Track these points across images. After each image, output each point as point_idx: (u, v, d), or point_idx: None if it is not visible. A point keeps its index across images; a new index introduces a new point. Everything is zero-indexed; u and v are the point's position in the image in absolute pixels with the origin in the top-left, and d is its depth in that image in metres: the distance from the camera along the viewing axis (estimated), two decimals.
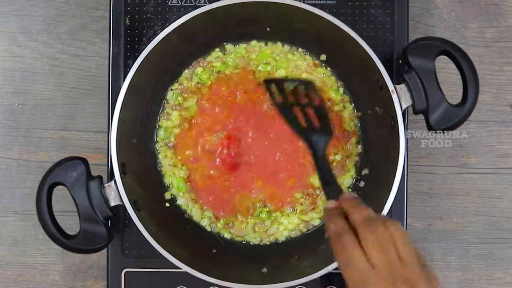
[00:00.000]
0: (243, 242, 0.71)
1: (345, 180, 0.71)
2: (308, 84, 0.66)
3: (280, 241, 0.71)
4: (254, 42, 0.72)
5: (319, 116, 0.63)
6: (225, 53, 0.72)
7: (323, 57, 0.71)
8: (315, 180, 0.71)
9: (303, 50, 0.72)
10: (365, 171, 0.71)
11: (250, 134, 0.70)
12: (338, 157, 0.71)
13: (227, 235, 0.71)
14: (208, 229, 0.71)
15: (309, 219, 0.71)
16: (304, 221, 0.71)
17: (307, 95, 0.64)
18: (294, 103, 0.64)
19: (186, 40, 0.67)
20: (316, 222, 0.71)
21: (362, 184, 0.71)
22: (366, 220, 0.49)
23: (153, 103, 0.70)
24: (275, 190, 0.71)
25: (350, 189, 0.71)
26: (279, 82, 0.66)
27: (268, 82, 0.66)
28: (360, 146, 0.72)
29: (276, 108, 0.64)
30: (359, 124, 0.72)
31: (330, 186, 0.56)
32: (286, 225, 0.71)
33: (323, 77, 0.72)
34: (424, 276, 0.47)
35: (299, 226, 0.71)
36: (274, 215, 0.71)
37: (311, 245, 0.69)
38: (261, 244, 0.71)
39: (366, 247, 0.47)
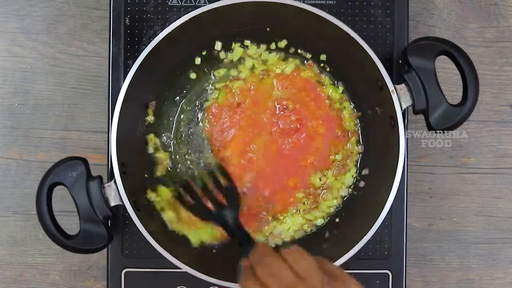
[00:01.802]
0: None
1: (346, 179, 0.71)
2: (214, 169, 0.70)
3: (284, 242, 0.71)
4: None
5: (227, 194, 0.67)
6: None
7: (322, 57, 0.71)
8: (316, 180, 0.71)
9: (302, 50, 0.72)
10: (365, 171, 0.71)
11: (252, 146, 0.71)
12: (338, 157, 0.71)
13: None
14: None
15: (313, 218, 0.71)
16: (308, 220, 0.71)
17: (214, 178, 0.68)
18: (203, 195, 0.67)
19: (186, 40, 0.67)
20: (320, 222, 0.71)
21: (362, 184, 0.71)
22: (259, 257, 0.51)
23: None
24: (278, 191, 0.71)
25: (350, 189, 0.71)
26: (188, 186, 0.68)
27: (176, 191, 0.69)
28: (360, 146, 0.71)
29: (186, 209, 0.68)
30: (359, 124, 0.72)
31: (246, 246, 0.59)
32: (291, 225, 0.71)
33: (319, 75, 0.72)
34: (329, 282, 0.48)
35: (304, 226, 0.71)
36: (279, 216, 0.71)
37: (312, 245, 0.69)
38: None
39: (262, 282, 0.49)
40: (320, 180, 0.71)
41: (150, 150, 0.70)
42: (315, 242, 0.69)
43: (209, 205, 0.66)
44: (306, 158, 0.71)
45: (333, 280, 0.48)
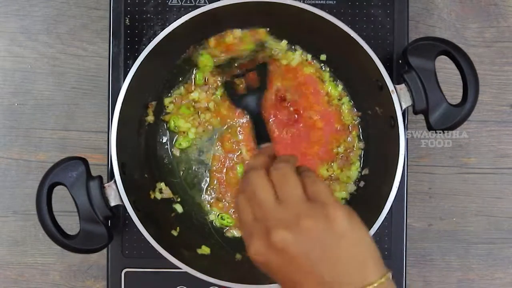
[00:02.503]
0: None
1: (351, 172, 0.71)
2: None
3: None
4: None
5: (259, 73, 0.69)
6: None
7: (323, 57, 0.71)
8: (324, 171, 0.72)
9: (303, 50, 0.72)
10: (365, 171, 0.71)
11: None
12: (341, 149, 0.72)
13: (234, 232, 0.72)
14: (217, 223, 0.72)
15: None
16: None
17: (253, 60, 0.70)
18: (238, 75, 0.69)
19: (186, 40, 0.67)
20: None
21: (362, 184, 0.71)
22: (281, 165, 0.47)
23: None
24: None
25: (356, 185, 0.71)
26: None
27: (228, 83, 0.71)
28: (361, 143, 0.72)
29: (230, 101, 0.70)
30: (359, 125, 0.72)
31: (263, 140, 0.59)
32: None
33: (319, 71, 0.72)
34: (308, 210, 0.43)
35: None
36: None
37: None
38: None
39: (249, 200, 0.45)
40: (327, 171, 0.72)
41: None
42: None
43: (239, 83, 0.68)
44: (311, 147, 0.71)
45: (312, 203, 0.44)
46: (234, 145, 0.72)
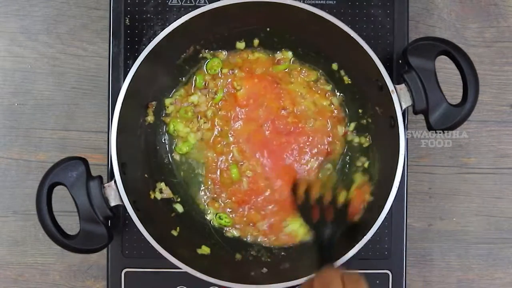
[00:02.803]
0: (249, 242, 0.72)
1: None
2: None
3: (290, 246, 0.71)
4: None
5: (336, 213, 0.63)
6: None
7: (335, 65, 0.71)
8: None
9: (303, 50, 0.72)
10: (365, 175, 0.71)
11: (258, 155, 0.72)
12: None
13: (234, 232, 0.72)
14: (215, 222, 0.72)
15: None
16: None
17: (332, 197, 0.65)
18: (314, 203, 0.65)
19: (186, 40, 0.67)
20: None
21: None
22: (325, 284, 0.52)
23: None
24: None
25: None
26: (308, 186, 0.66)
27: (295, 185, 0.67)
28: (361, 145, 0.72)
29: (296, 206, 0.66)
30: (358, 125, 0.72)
31: (330, 260, 0.59)
32: (298, 228, 0.71)
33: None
34: None
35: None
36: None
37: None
38: (273, 250, 0.71)
39: None
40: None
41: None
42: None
43: (316, 212, 0.64)
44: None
45: None
46: (224, 148, 0.72)
